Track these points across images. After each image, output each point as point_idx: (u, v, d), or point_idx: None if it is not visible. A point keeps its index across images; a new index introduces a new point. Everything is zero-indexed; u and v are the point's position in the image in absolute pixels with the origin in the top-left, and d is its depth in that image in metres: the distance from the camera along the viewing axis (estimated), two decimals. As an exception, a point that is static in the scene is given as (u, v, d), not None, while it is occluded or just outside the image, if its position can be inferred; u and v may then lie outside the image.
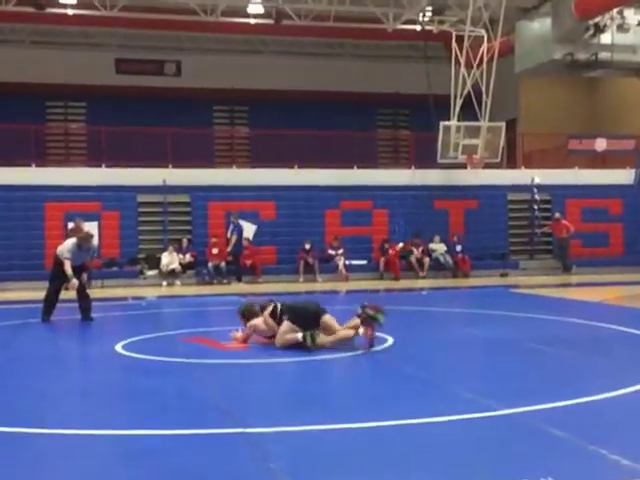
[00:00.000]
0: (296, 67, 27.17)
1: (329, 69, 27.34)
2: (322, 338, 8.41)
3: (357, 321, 8.51)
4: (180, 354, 8.25)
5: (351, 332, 8.48)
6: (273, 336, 8.67)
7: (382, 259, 21.01)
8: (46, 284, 11.88)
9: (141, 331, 10.23)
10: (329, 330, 8.55)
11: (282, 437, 4.94)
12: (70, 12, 22.37)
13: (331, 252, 21.04)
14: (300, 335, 8.30)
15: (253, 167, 23.37)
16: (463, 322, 12.10)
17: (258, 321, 8.80)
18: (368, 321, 8.36)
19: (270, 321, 8.70)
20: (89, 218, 19.26)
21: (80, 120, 27.43)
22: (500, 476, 3.96)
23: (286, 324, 8.55)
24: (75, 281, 11.37)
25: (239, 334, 8.96)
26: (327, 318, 8.63)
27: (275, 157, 21.89)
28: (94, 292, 12.24)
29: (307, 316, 8.60)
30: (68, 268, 11.32)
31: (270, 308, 8.80)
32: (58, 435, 5.08)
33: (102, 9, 21.54)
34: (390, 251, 20.89)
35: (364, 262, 21.40)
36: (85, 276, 11.87)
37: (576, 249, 22.13)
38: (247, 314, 8.95)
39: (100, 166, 21.10)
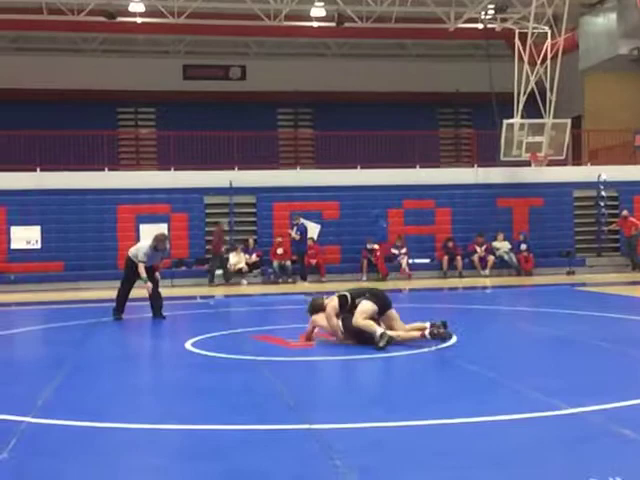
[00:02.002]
0: (358, 68, 27.34)
1: (390, 70, 27.42)
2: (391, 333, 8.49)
3: (422, 325, 8.67)
4: (248, 352, 8.43)
5: (418, 334, 8.63)
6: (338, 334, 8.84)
7: (445, 258, 21.02)
8: (118, 283, 12.26)
9: (210, 329, 10.48)
10: (394, 323, 8.70)
11: (348, 434, 5.01)
12: (139, 20, 23.09)
13: (394, 251, 21.16)
14: (380, 331, 8.24)
15: (317, 168, 23.65)
16: (528, 320, 12.05)
17: (319, 316, 8.88)
18: (435, 334, 8.52)
19: (334, 320, 8.66)
20: (159, 220, 19.95)
21: (150, 125, 28.18)
22: (567, 476, 3.91)
23: (369, 303, 8.53)
24: (150, 284, 11.69)
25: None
26: (394, 312, 8.80)
27: (338, 158, 22.11)
28: (164, 291, 12.63)
29: (384, 300, 8.72)
30: (142, 271, 11.62)
31: (335, 301, 8.75)
32: (128, 429, 5.25)
33: (170, 17, 22.16)
34: (377, 253, 20.41)
35: (427, 260, 21.45)
36: (158, 275, 12.26)
37: (645, 246, 21.68)
38: (312, 308, 9.06)
39: (169, 169, 21.70)
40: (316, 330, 9.09)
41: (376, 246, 20.55)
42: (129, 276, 11.97)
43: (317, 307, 8.96)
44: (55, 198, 20.47)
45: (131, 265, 11.86)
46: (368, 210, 21.50)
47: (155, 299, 12.01)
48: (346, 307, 8.70)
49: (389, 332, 8.41)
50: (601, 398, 5.67)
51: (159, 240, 11.94)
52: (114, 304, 12.07)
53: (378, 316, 8.66)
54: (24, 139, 21.14)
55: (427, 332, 8.57)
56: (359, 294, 8.81)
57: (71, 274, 19.81)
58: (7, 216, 20.31)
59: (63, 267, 20.16)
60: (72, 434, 5.20)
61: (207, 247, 21.26)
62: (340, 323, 8.72)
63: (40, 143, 21.04)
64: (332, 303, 8.77)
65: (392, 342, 8.19)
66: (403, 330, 8.74)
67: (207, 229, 21.53)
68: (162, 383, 7.32)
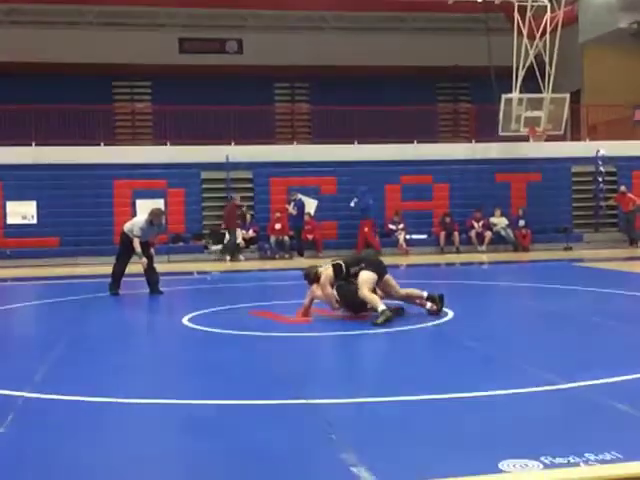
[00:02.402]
0: (356, 42, 27.09)
1: (388, 44, 27.18)
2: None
3: (420, 292, 8.78)
4: (245, 327, 8.45)
5: (424, 293, 8.75)
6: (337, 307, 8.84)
7: (443, 233, 21.01)
8: (114, 259, 12.18)
9: (207, 305, 10.50)
10: (391, 289, 8.79)
11: (344, 408, 5.03)
12: (134, -7, 22.85)
13: (392, 227, 21.14)
14: (382, 307, 8.24)
15: (314, 143, 23.55)
16: (525, 296, 12.08)
17: (316, 287, 8.87)
18: (433, 298, 8.69)
19: (328, 290, 8.68)
20: (155, 195, 19.88)
21: (146, 99, 28.00)
22: (564, 450, 3.90)
23: (368, 274, 8.53)
24: (145, 259, 11.64)
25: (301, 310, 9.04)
26: (390, 277, 8.87)
27: (335, 133, 22.00)
28: (161, 267, 12.61)
29: (381, 267, 8.75)
30: (137, 246, 11.57)
31: (330, 269, 8.74)
32: (125, 404, 5.25)
33: (165, -11, 21.92)
34: (366, 229, 20.09)
35: (424, 236, 21.44)
36: (153, 251, 12.24)
37: (643, 222, 21.70)
38: (307, 277, 9.06)
39: (165, 144, 21.60)
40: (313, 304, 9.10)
41: (366, 229, 20.38)
42: (125, 251, 11.93)
43: (313, 276, 8.94)
44: (51, 173, 20.40)
45: (126, 240, 11.82)
46: (365, 185, 21.38)
47: (151, 274, 11.99)
48: (341, 275, 8.73)
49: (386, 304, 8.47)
50: (598, 373, 5.69)
51: (155, 215, 11.91)
52: (110, 279, 12.04)
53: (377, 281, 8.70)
54: (19, 113, 20.98)
55: (425, 299, 8.71)
56: (354, 262, 8.82)
57: (67, 249, 19.77)
58: (2, 191, 20.24)
59: (59, 242, 20.12)
60: (70, 409, 5.20)
61: (204, 222, 21.23)
62: (335, 292, 8.72)
63: (35, 117, 20.89)
64: (327, 272, 8.77)
65: (391, 320, 8.21)
66: (415, 290, 8.89)
67: (204, 204, 21.49)
68: (159, 358, 7.32)
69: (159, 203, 19.59)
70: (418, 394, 5.26)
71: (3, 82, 24.41)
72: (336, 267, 8.78)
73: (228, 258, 19.62)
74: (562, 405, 5.05)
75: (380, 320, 8.16)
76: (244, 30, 27.66)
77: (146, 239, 11.87)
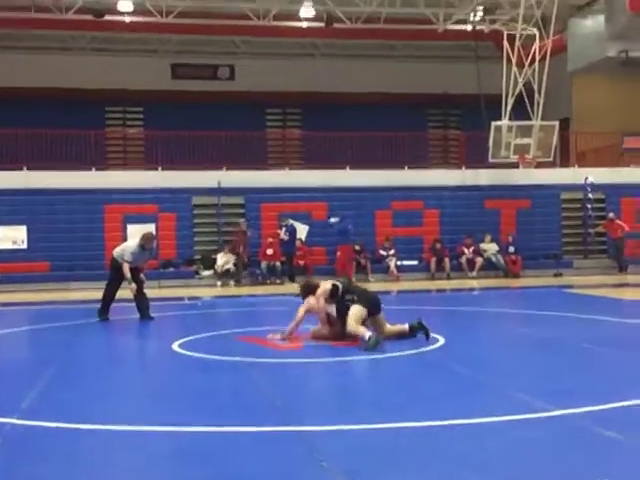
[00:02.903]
0: (347, 69, 27.35)
1: (379, 70, 27.45)
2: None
3: (404, 327, 8.88)
4: (235, 353, 8.41)
5: (399, 329, 8.85)
6: (332, 334, 8.92)
7: (433, 259, 21.06)
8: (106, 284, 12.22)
9: (197, 330, 10.47)
10: (379, 327, 8.86)
11: (335, 435, 5.01)
12: (127, 19, 23.01)
13: (382, 253, 21.18)
14: (368, 335, 8.32)
15: (305, 169, 23.64)
16: (515, 322, 12.10)
17: (312, 299, 9.03)
18: (415, 328, 8.77)
19: (322, 302, 8.87)
20: (146, 220, 19.88)
21: (138, 125, 28.09)
22: (554, 478, 3.93)
23: (359, 308, 8.70)
24: (134, 285, 11.60)
25: (277, 335, 9.14)
26: (382, 316, 8.97)
27: (327, 158, 22.11)
28: (152, 292, 12.55)
29: (374, 305, 8.88)
30: (127, 271, 11.54)
31: (328, 286, 8.96)
32: (115, 431, 5.24)
33: (158, 16, 22.09)
34: (338, 253, 20.17)
35: (415, 262, 21.48)
36: (143, 276, 12.19)
37: (631, 249, 21.82)
38: (303, 289, 9.29)
39: (157, 169, 21.64)
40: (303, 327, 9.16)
41: (357, 247, 20.49)
42: (115, 277, 11.88)
43: (312, 288, 9.18)
44: (42, 198, 20.38)
45: (116, 266, 11.77)
46: (356, 211, 21.49)
47: (141, 300, 11.95)
48: (336, 297, 8.90)
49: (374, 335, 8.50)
50: (587, 400, 5.70)
51: (147, 239, 11.89)
52: (100, 305, 12.00)
53: (367, 317, 8.80)
54: (11, 137, 21.01)
55: (409, 332, 8.86)
56: (350, 291, 8.97)
57: (58, 274, 19.70)
58: (-7, 215, 20.18)
59: (49, 267, 20.05)
60: (57, 436, 5.17)
61: (195, 248, 21.20)
62: (334, 308, 8.89)
63: (27, 142, 20.92)
64: (325, 287, 9.01)
65: (380, 343, 8.23)
66: (398, 325, 9.02)
67: (195, 230, 21.49)
68: (149, 384, 7.30)
69: (150, 228, 19.59)
70: (408, 421, 5.25)
71: (-5, 107, 24.47)
72: (334, 287, 8.96)
73: (232, 283, 19.70)
74: (552, 432, 5.04)
75: (371, 343, 8.18)
76: (236, 56, 27.87)
77: (136, 264, 11.83)
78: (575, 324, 11.00)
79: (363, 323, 8.79)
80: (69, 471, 4.45)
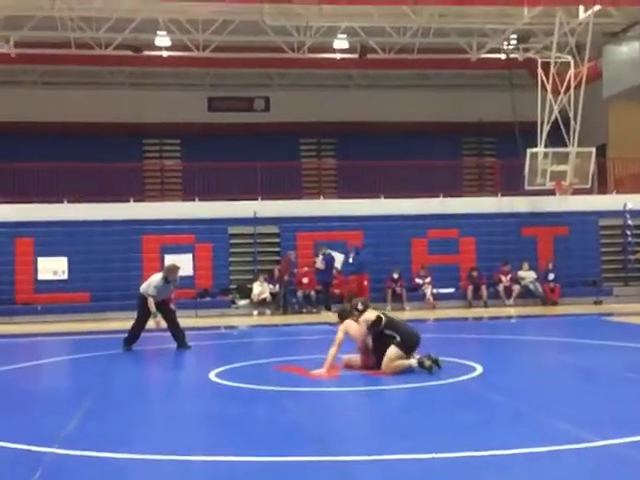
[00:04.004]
0: (381, 99, 27.50)
1: (413, 100, 27.54)
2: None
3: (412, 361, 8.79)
4: (272, 382, 8.44)
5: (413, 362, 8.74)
6: (365, 364, 8.90)
7: (470, 287, 20.90)
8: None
9: (234, 359, 10.53)
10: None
11: (371, 466, 4.99)
12: (165, 54, 23.47)
13: (418, 281, 21.08)
14: (414, 361, 8.45)
15: (340, 198, 23.71)
16: (554, 350, 11.94)
17: (353, 325, 9.01)
18: (422, 362, 8.65)
19: (364, 328, 8.85)
20: (183, 250, 20.10)
21: (175, 157, 28.49)
22: None
23: (396, 351, 8.68)
24: (159, 318, 11.64)
25: (322, 370, 8.91)
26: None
27: (362, 187, 22.16)
28: (189, 321, 12.62)
29: (413, 346, 8.83)
30: (152, 305, 11.60)
31: (372, 317, 8.93)
32: (152, 460, 5.27)
33: (195, 50, 22.50)
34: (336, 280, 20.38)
35: (451, 290, 21.34)
36: (173, 305, 12.25)
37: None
38: (341, 314, 9.32)
39: (194, 200, 21.90)
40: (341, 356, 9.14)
41: (395, 275, 20.51)
42: (142, 311, 11.88)
43: (347, 314, 9.20)
44: (81, 229, 20.70)
45: (144, 302, 11.82)
46: (391, 240, 21.48)
47: (175, 329, 12.01)
48: (377, 328, 8.86)
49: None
50: (630, 430, 5.58)
51: (170, 271, 11.97)
52: (127, 335, 12.06)
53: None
54: (51, 171, 21.46)
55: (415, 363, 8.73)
56: (392, 327, 8.88)
57: (97, 304, 19.97)
58: (34, 247, 20.57)
59: (89, 298, 20.33)
60: (96, 465, 5.21)
61: (231, 277, 21.33)
62: (370, 339, 8.88)
63: (67, 175, 21.35)
64: (370, 316, 8.96)
65: (437, 364, 8.45)
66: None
67: (231, 259, 21.63)
68: (186, 414, 7.32)
69: (187, 258, 19.86)
70: (445, 451, 5.18)
71: (38, 141, 25.06)
72: (378, 318, 8.91)
73: (268, 312, 19.97)
74: (595, 462, 4.97)
75: (427, 364, 8.43)
76: (271, 88, 28.22)
77: (162, 298, 11.86)
78: (615, 352, 10.82)
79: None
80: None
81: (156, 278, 11.98)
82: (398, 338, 8.75)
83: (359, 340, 9.01)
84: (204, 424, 6.76)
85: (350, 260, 20.69)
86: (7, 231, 20.50)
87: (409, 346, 8.82)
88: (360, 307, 9.13)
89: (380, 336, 8.83)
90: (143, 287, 11.97)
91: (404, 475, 4.75)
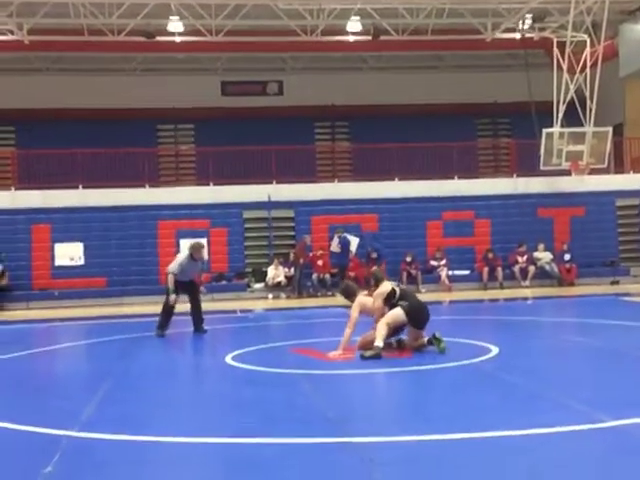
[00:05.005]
0: (394, 81, 27.35)
1: (427, 82, 27.39)
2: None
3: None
4: (287, 365, 8.48)
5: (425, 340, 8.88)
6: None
7: (485, 269, 20.84)
8: (159, 298, 12.33)
9: (250, 343, 10.59)
10: (414, 340, 8.95)
11: (387, 447, 4.99)
12: (178, 39, 23.43)
13: (433, 263, 21.06)
14: (380, 345, 8.49)
15: (355, 181, 23.68)
16: (571, 331, 11.89)
17: (367, 300, 9.04)
18: (429, 341, 8.78)
19: (380, 302, 8.87)
20: (199, 235, 20.12)
21: (189, 141, 28.54)
22: None
23: (400, 313, 8.73)
24: (174, 296, 11.56)
25: (338, 352, 8.93)
26: (422, 333, 8.99)
27: (376, 170, 22.12)
28: (205, 305, 12.64)
29: (420, 318, 8.85)
30: (171, 281, 11.52)
31: (388, 289, 8.96)
32: (170, 443, 5.31)
33: (208, 35, 22.45)
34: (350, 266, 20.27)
35: (467, 272, 21.30)
36: (203, 289, 12.28)
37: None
38: (345, 292, 9.33)
39: (208, 185, 21.94)
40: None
41: (408, 258, 20.54)
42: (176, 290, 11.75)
43: (353, 289, 9.28)
44: (97, 215, 20.83)
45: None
46: (406, 223, 21.47)
47: (197, 313, 12.06)
48: (391, 301, 8.91)
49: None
50: (646, 410, 5.55)
51: (195, 248, 11.90)
52: (158, 319, 12.01)
53: (406, 325, 8.89)
54: (66, 157, 21.56)
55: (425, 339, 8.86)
56: (405, 298, 8.95)
57: (114, 290, 20.11)
58: (51, 233, 20.72)
59: (106, 283, 20.48)
60: (114, 448, 5.27)
61: (246, 261, 21.39)
62: (387, 310, 8.89)
63: (82, 161, 21.45)
64: (385, 288, 8.99)
65: (378, 357, 8.39)
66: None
67: (246, 243, 21.69)
68: (203, 396, 7.38)
69: (202, 241, 19.90)
70: (462, 432, 5.19)
71: (52, 127, 25.18)
72: (392, 290, 8.95)
73: (284, 295, 20.09)
74: (609, 443, 4.96)
75: (368, 354, 8.41)
76: (284, 72, 28.14)
77: (188, 277, 11.85)
78: (633, 333, 10.76)
79: (401, 329, 8.88)
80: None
81: (182, 256, 11.98)
82: (406, 306, 8.82)
83: (377, 315, 9.00)
84: (222, 407, 6.80)
85: (352, 251, 20.76)
86: (24, 218, 20.66)
87: (418, 320, 8.84)
88: (372, 282, 9.20)
89: (394, 308, 8.88)
90: (170, 266, 11.87)
91: (422, 456, 4.77)
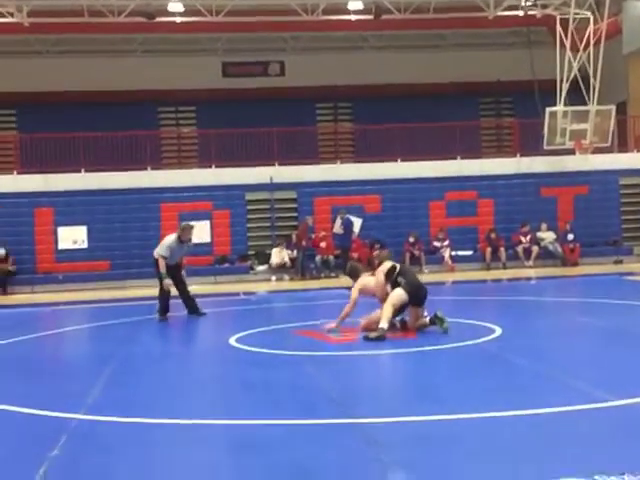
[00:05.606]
0: (397, 61, 27.16)
1: (430, 61, 27.21)
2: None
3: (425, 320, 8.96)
4: (291, 347, 8.50)
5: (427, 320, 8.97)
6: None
7: (488, 249, 20.82)
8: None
9: (253, 325, 10.61)
10: (414, 320, 8.98)
11: (393, 428, 5.02)
12: (178, 20, 23.29)
13: (436, 244, 21.04)
14: (385, 327, 8.50)
15: (357, 162, 23.61)
16: (574, 311, 11.89)
17: (368, 280, 9.14)
18: (432, 320, 8.82)
19: (381, 277, 8.97)
20: (201, 217, 20.15)
21: (190, 124, 28.43)
22: (615, 468, 3.84)
23: (401, 293, 8.78)
24: (168, 280, 11.50)
25: (332, 323, 9.29)
26: (420, 311, 9.02)
27: (379, 151, 22.05)
28: (207, 288, 12.63)
29: (418, 296, 8.87)
30: (162, 266, 11.40)
31: (388, 265, 9.08)
32: (175, 425, 5.34)
33: (208, 15, 22.31)
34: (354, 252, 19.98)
35: (470, 253, 21.29)
36: (184, 273, 12.07)
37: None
38: (351, 273, 9.44)
39: (210, 167, 21.90)
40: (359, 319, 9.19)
41: (411, 239, 20.50)
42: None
43: (359, 270, 9.43)
44: (100, 198, 20.80)
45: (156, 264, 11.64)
46: (409, 203, 21.42)
47: (187, 299, 11.96)
48: (391, 277, 8.99)
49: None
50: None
51: (184, 230, 11.78)
52: (158, 304, 12.01)
53: (407, 304, 8.93)
54: (68, 140, 21.51)
55: (429, 323, 8.92)
56: (403, 274, 9.03)
57: (117, 273, 20.13)
58: (54, 217, 20.72)
59: (109, 266, 20.50)
60: (121, 430, 5.30)
61: (249, 243, 21.39)
62: (389, 287, 8.96)
63: (84, 144, 21.40)
64: (384, 267, 9.10)
65: (382, 340, 8.39)
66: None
67: (249, 225, 21.68)
68: (207, 379, 7.41)
69: (205, 225, 19.96)
70: (467, 412, 5.21)
71: (53, 110, 25.10)
72: (393, 267, 9.05)
73: (287, 277, 20.03)
74: (613, 422, 4.97)
75: (372, 336, 8.43)
76: (286, 52, 27.97)
77: (175, 261, 11.71)
78: (637, 312, 10.78)
79: (403, 309, 8.90)
80: (134, 464, 4.55)
81: (170, 239, 11.79)
82: (404, 282, 8.88)
83: (379, 292, 9.04)
84: (226, 389, 6.83)
85: (355, 232, 20.67)
86: (27, 201, 20.65)
87: (417, 297, 8.89)
88: (376, 262, 9.39)
89: (395, 285, 8.95)
90: (156, 251, 11.73)
91: (428, 437, 4.78)
